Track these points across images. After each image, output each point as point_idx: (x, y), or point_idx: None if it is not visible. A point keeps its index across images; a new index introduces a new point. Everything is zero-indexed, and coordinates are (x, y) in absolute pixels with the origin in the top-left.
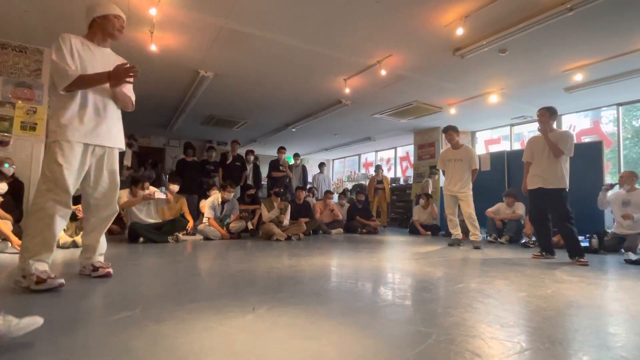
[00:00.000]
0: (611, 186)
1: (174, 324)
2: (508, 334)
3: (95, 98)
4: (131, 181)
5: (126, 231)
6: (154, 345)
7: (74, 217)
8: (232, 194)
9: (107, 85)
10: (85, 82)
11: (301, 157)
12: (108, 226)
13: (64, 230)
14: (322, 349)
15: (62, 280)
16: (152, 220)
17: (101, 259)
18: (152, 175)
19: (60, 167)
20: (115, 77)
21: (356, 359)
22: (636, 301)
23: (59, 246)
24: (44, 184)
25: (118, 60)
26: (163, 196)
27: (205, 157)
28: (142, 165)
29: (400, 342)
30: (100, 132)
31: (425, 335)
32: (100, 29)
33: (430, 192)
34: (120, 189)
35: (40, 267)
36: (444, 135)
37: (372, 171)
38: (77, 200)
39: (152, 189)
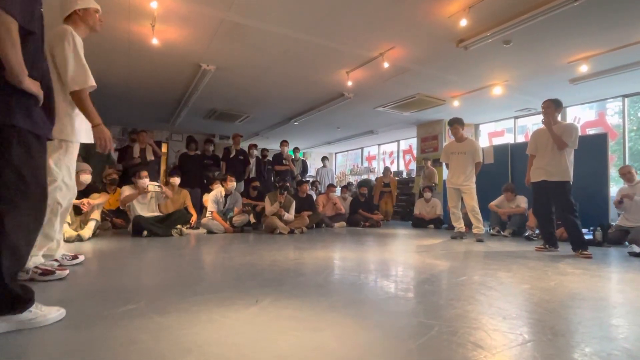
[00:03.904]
0: (620, 202)
1: (178, 316)
2: (510, 326)
3: None
4: (130, 175)
5: (130, 225)
6: (158, 337)
7: (78, 211)
8: (234, 184)
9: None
10: (87, 101)
11: (301, 151)
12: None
13: (69, 224)
14: (325, 340)
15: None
16: (155, 214)
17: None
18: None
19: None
20: (100, 137)
21: (359, 350)
22: (639, 293)
23: (63, 240)
24: None
25: None
26: (157, 189)
27: (203, 150)
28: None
29: (402, 333)
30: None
31: (427, 327)
32: (83, 22)
33: (436, 181)
34: (125, 185)
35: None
36: (449, 127)
37: (374, 164)
38: (81, 194)
39: (147, 182)
